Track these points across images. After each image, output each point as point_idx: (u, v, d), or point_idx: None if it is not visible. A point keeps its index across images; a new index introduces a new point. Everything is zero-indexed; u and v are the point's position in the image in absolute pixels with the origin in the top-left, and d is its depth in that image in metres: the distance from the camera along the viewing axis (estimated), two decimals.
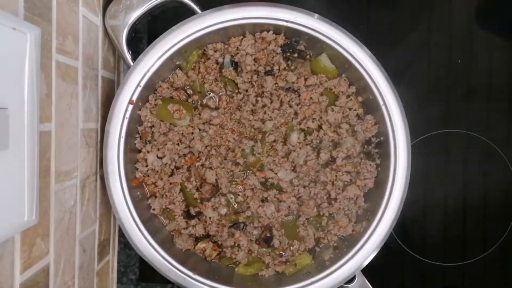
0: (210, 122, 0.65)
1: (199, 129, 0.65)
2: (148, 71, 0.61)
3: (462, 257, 0.74)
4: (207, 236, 0.66)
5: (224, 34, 0.63)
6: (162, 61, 0.61)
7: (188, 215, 0.66)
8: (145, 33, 0.73)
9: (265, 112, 0.65)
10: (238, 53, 0.64)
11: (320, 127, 0.66)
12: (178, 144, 0.65)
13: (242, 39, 0.64)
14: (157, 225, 0.66)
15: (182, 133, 0.65)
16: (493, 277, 0.74)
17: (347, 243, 0.65)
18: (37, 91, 0.42)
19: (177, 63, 0.65)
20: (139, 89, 0.62)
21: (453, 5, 0.73)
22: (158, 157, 0.65)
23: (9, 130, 0.39)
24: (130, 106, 0.62)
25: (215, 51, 0.65)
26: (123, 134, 0.61)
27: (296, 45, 0.64)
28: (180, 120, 0.64)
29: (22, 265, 0.43)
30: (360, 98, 0.65)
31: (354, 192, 0.65)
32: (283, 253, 0.67)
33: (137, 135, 0.65)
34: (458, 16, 0.73)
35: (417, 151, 0.70)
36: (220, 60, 0.65)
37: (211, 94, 0.67)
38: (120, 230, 0.72)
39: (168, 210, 0.66)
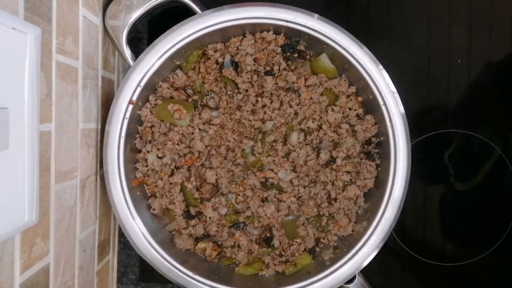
0: (210, 122, 0.65)
1: (199, 129, 0.65)
2: (148, 71, 0.61)
3: (462, 257, 0.74)
4: (207, 236, 0.66)
5: (224, 34, 0.63)
6: (162, 61, 0.61)
7: (188, 215, 0.66)
8: (145, 33, 0.73)
9: (265, 112, 0.65)
10: (238, 53, 0.64)
11: (320, 127, 0.66)
12: (178, 144, 0.65)
13: (242, 39, 0.64)
14: (157, 225, 0.66)
15: (182, 133, 0.65)
16: (493, 277, 0.74)
17: (347, 243, 0.65)
18: (37, 91, 0.42)
19: (177, 63, 0.65)
20: (139, 89, 0.62)
21: (452, 5, 0.73)
22: (158, 157, 0.65)
23: (9, 130, 0.39)
24: (130, 106, 0.62)
25: (215, 51, 0.65)
26: (123, 134, 0.61)
27: (296, 45, 0.64)
28: (180, 120, 0.64)
29: (22, 265, 0.43)
30: (360, 98, 0.65)
31: (354, 192, 0.65)
32: (283, 253, 0.67)
33: (137, 135, 0.65)
34: (458, 16, 0.73)
35: (417, 151, 0.70)
36: (220, 60, 0.65)
37: (211, 94, 0.67)
38: (120, 230, 0.72)
39: (168, 210, 0.66)
